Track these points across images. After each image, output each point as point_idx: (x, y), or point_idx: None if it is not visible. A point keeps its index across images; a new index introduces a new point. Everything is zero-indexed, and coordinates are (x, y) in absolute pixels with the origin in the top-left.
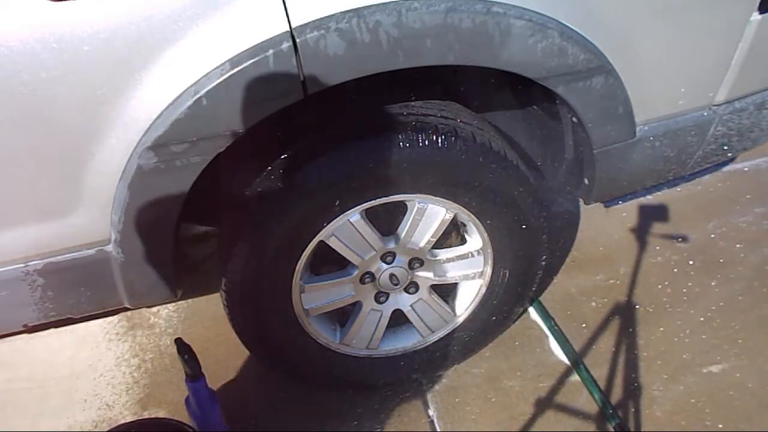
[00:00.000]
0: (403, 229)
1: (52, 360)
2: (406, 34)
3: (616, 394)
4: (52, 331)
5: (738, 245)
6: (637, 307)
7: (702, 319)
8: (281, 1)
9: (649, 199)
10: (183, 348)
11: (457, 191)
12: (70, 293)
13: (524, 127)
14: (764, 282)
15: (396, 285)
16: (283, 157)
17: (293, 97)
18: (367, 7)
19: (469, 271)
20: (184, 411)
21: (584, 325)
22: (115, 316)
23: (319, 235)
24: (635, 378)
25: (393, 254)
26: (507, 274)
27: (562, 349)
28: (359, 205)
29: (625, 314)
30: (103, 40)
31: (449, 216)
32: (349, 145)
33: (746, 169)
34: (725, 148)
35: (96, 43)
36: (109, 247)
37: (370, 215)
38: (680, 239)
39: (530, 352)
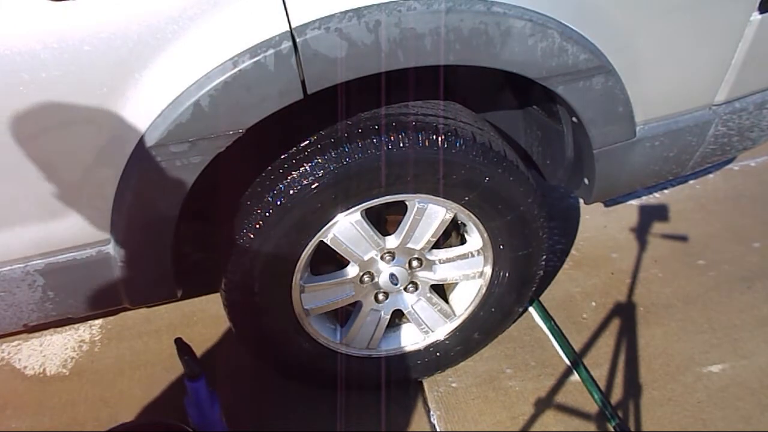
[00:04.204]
0: (403, 229)
1: (52, 360)
2: (407, 34)
3: (616, 394)
4: (52, 330)
5: (738, 245)
6: (637, 307)
7: (702, 319)
8: (281, 1)
9: (653, 198)
10: (183, 348)
11: (457, 191)
12: (70, 293)
13: (524, 127)
14: (764, 282)
15: (396, 285)
16: (283, 157)
17: (293, 97)
18: (367, 7)
19: (469, 271)
20: (184, 411)
21: (584, 325)
22: (115, 316)
23: (318, 234)
24: (635, 378)
25: (393, 254)
26: (507, 274)
27: (562, 349)
28: (359, 205)
29: (625, 314)
30: (103, 39)
31: (449, 216)
32: (349, 145)
33: (752, 166)
34: (725, 147)
35: (96, 43)
36: (109, 247)
37: (369, 215)
38: (680, 239)
39: (530, 352)
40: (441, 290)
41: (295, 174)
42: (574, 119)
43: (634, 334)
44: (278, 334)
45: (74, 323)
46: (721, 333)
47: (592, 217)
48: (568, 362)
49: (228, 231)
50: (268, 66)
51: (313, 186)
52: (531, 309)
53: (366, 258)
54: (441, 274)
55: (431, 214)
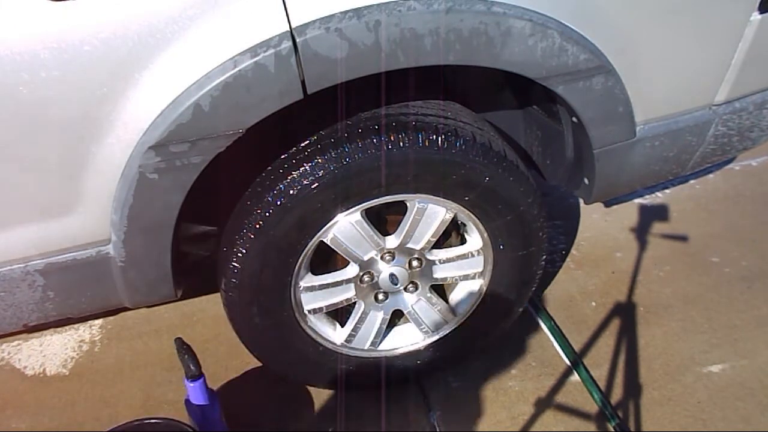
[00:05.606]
0: (403, 229)
1: (52, 360)
2: (406, 34)
3: (616, 394)
4: (52, 330)
5: (738, 245)
6: (637, 307)
7: (702, 319)
8: (281, 1)
9: (654, 198)
10: (183, 348)
11: (457, 191)
12: (70, 293)
13: (524, 127)
14: (764, 282)
15: (396, 285)
16: (283, 157)
17: (293, 97)
18: (367, 7)
19: (469, 271)
20: (184, 411)
21: (584, 325)
22: (115, 316)
23: (318, 234)
24: (635, 378)
25: (393, 254)
26: (507, 274)
27: (562, 349)
28: (359, 204)
29: (625, 314)
30: (103, 39)
31: (449, 216)
32: (349, 145)
33: (752, 166)
34: (725, 147)
35: (96, 43)
36: (109, 247)
37: (369, 215)
38: (680, 239)
39: (530, 352)
40: (441, 290)
41: (295, 174)
42: (574, 119)
43: (634, 334)
44: (278, 334)
45: (74, 323)
46: (721, 333)
47: (593, 217)
48: (568, 362)
49: (228, 231)
50: (268, 66)
51: (313, 186)
52: (531, 309)
53: (366, 258)
54: (441, 274)
55: (431, 214)
